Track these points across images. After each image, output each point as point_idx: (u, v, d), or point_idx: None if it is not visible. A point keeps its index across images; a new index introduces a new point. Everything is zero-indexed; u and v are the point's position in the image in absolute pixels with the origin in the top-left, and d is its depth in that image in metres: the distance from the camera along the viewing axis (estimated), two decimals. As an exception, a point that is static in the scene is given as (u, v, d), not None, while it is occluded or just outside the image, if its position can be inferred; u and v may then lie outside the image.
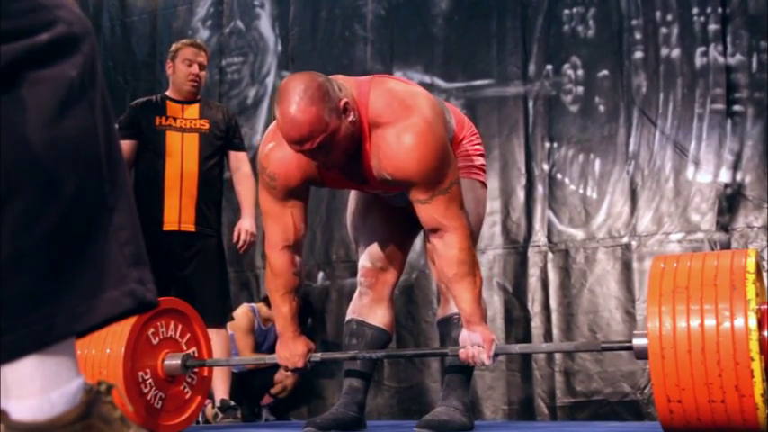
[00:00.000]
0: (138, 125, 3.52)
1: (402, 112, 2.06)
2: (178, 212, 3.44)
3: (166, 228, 3.44)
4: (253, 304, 4.59)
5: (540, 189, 4.11)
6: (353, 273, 4.33)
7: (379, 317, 2.42)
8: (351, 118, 2.03)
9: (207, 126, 3.55)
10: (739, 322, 1.37)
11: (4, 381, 0.77)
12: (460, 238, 2.10)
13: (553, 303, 4.01)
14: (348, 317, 2.46)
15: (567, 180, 4.06)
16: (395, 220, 2.43)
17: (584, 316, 3.93)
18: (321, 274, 4.53)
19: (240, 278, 4.78)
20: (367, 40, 4.53)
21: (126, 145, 3.44)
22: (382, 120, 2.07)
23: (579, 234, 4.01)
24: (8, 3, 0.77)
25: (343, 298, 4.37)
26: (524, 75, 4.19)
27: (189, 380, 2.66)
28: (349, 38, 4.60)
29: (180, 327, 2.54)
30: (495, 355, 2.14)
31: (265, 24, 4.84)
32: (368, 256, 2.41)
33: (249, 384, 4.45)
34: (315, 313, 4.52)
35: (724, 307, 1.39)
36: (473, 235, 2.23)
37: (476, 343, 2.12)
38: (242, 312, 4.54)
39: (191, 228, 3.47)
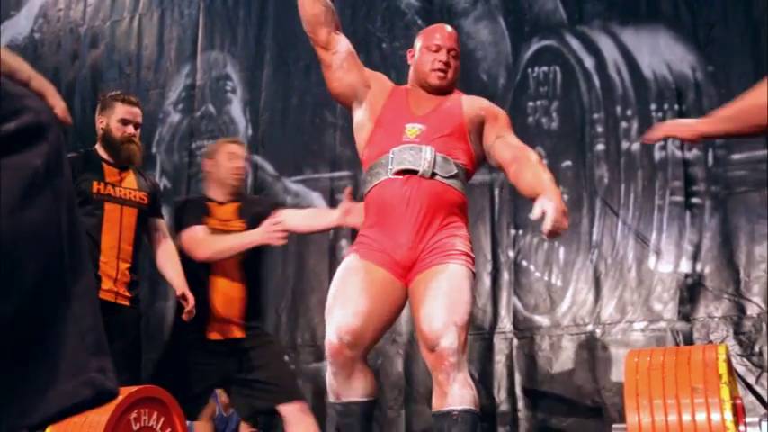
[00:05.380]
0: (191, 223, 3.32)
1: None
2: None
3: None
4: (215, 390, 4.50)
5: (505, 275, 4.15)
6: (319, 357, 4.31)
7: (356, 389, 2.38)
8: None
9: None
10: (716, 417, 1.40)
11: None
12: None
13: (519, 390, 4.01)
14: (331, 398, 2.41)
15: (532, 267, 4.12)
16: (375, 295, 2.37)
17: (551, 403, 3.93)
18: (286, 359, 4.47)
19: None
20: (336, 126, 4.62)
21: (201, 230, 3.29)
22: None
23: (544, 321, 4.04)
24: None
25: (308, 382, 4.32)
26: (490, 163, 4.28)
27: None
28: (319, 124, 4.68)
29: (162, 419, 2.46)
30: None
31: (236, 109, 4.92)
32: (334, 330, 2.32)
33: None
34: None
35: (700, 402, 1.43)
36: (467, 322, 2.35)
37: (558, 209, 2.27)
38: (203, 398, 4.45)
39: None
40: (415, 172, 2.40)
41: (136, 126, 3.34)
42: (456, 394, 2.28)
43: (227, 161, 3.42)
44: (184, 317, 3.46)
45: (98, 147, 3.33)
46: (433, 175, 2.41)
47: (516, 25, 4.42)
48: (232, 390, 3.34)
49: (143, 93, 5.06)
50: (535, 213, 2.28)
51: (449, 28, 2.66)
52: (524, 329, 4.07)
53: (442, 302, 2.32)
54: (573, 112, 4.20)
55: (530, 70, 4.33)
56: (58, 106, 0.92)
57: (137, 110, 3.37)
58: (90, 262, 0.88)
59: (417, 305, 2.36)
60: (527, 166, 2.48)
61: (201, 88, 5.00)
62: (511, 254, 4.17)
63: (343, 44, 2.61)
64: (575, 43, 4.26)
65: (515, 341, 4.07)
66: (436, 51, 2.58)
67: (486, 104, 2.64)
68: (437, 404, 2.33)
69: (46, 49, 5.61)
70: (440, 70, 2.56)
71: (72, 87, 5.21)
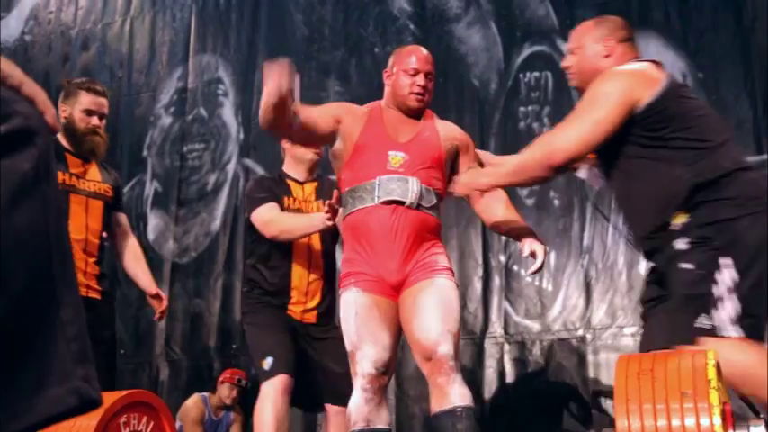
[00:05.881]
0: (265, 200, 3.22)
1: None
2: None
3: None
4: (204, 393, 4.50)
5: (496, 280, 4.16)
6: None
7: (383, 418, 2.55)
8: None
9: None
10: (705, 422, 1.42)
11: None
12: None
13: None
14: (359, 425, 2.50)
15: (523, 272, 4.13)
16: (390, 325, 2.56)
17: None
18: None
19: (193, 366, 4.69)
20: (328, 130, 4.62)
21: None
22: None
23: (535, 326, 4.05)
24: None
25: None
26: (482, 168, 4.29)
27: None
28: (310, 128, 4.68)
29: (151, 423, 2.45)
30: None
31: (228, 113, 4.91)
32: (371, 363, 2.52)
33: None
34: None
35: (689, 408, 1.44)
36: (459, 330, 2.53)
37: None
38: (192, 403, 4.44)
39: None
40: (401, 203, 2.55)
41: (101, 117, 3.18)
42: (457, 392, 2.43)
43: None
44: (156, 318, 3.42)
45: (60, 136, 3.16)
46: (419, 206, 2.57)
47: (508, 30, 4.43)
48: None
49: (134, 96, 5.06)
50: (525, 252, 2.54)
51: (424, 51, 2.75)
52: (515, 334, 4.08)
53: (436, 313, 2.49)
54: (564, 117, 4.20)
55: (521, 75, 4.35)
56: (48, 112, 0.92)
57: (103, 100, 3.20)
58: (75, 268, 0.87)
59: (409, 317, 2.52)
60: (499, 204, 2.68)
61: (193, 92, 5.00)
62: (502, 258, 4.18)
63: (295, 122, 2.53)
64: (566, 49, 4.27)
65: (506, 346, 4.08)
66: (414, 75, 2.67)
67: (458, 133, 2.78)
68: (439, 404, 2.44)
69: (36, 52, 5.60)
70: (418, 93, 2.67)
71: (63, 90, 5.19)
